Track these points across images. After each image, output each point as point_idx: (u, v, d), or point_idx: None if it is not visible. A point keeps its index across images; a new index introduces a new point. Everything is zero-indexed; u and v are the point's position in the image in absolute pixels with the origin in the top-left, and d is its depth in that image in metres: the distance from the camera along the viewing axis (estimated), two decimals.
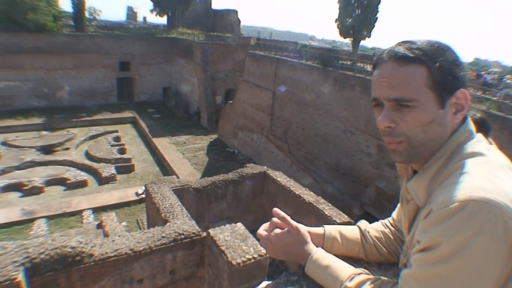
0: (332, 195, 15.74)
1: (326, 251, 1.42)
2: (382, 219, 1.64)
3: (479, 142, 1.10)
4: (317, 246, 1.45)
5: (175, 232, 6.50)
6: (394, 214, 1.57)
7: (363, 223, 1.62)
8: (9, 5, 27.24)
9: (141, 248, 5.91)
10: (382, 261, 1.54)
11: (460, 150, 1.09)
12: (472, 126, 1.14)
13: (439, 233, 0.93)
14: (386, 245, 1.53)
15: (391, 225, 1.58)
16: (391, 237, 1.54)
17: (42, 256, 5.02)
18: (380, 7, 28.28)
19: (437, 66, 1.08)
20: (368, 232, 1.56)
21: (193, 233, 6.65)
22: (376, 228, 1.58)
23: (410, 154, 1.16)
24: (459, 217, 0.89)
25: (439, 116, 1.10)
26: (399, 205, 1.47)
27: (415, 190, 1.17)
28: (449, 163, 1.08)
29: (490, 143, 1.13)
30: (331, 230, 1.54)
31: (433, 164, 1.13)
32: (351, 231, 1.56)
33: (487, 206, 0.87)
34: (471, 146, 1.08)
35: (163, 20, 43.10)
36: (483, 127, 1.19)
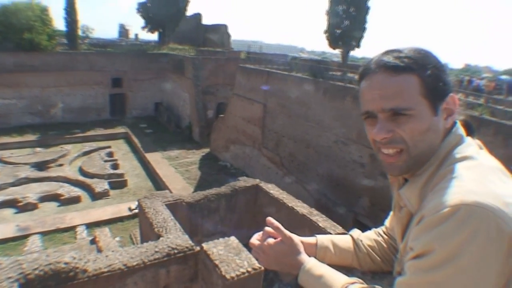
0: (326, 206, 15.75)
1: (319, 260, 1.39)
2: (376, 228, 1.64)
3: (469, 146, 1.09)
4: (309, 256, 1.42)
5: (169, 246, 6.52)
6: (387, 222, 1.56)
7: (355, 232, 1.61)
8: (6, 26, 27.65)
9: (134, 263, 5.94)
10: (376, 270, 1.52)
11: (451, 155, 1.08)
12: (461, 130, 1.14)
13: (432, 239, 0.92)
14: (380, 253, 1.52)
15: (384, 233, 1.57)
16: (385, 245, 1.53)
17: (36, 272, 5.05)
18: (369, 17, 28.65)
19: (428, 74, 1.07)
20: (361, 240, 1.55)
21: (187, 247, 6.67)
22: (369, 237, 1.57)
23: (409, 165, 1.14)
24: (451, 222, 0.88)
25: (434, 123, 1.09)
26: (391, 213, 1.45)
27: (407, 197, 1.16)
28: (440, 168, 1.08)
29: (481, 147, 1.12)
30: (323, 239, 1.54)
31: (425, 170, 1.12)
32: (344, 240, 1.56)
33: (479, 210, 0.86)
34: (461, 150, 1.07)
35: (154, 37, 43.43)
36: (467, 129, 1.17)
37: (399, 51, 1.11)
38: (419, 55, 1.09)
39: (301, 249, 1.42)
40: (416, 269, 0.96)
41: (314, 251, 1.50)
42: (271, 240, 1.43)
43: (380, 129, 1.13)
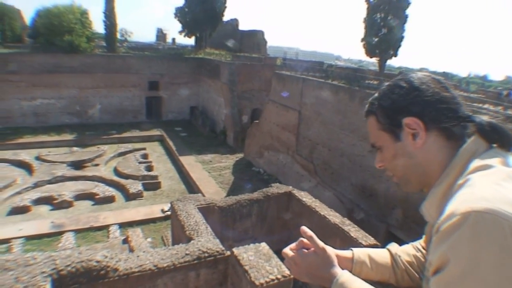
0: (358, 216, 15.51)
1: (355, 275, 1.34)
2: (411, 241, 1.59)
3: (490, 154, 1.07)
4: (346, 270, 1.37)
5: (199, 250, 6.52)
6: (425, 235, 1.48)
7: (393, 246, 1.57)
8: (49, 29, 28.78)
9: (165, 265, 5.95)
10: (414, 287, 1.46)
11: (469, 164, 1.07)
12: (480, 139, 1.12)
13: (445, 251, 0.90)
14: (418, 269, 1.45)
15: (423, 248, 1.51)
16: (423, 260, 1.46)
17: (69, 268, 5.12)
18: (407, 26, 28.21)
19: (378, 111, 1.30)
20: (399, 256, 1.50)
21: (217, 251, 6.65)
22: (407, 252, 1.52)
23: (403, 185, 1.35)
24: (462, 231, 0.86)
25: (398, 148, 1.25)
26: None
27: (428, 209, 1.19)
28: (459, 178, 1.07)
29: (508, 152, 1.09)
30: (360, 253, 1.49)
31: (442, 181, 1.14)
32: (381, 255, 1.51)
33: (490, 216, 0.83)
34: (480, 159, 1.07)
35: (191, 41, 44.00)
36: (495, 134, 1.12)
37: (375, 94, 1.37)
38: (381, 92, 1.32)
39: (334, 261, 1.37)
40: (437, 285, 0.93)
41: (350, 266, 1.46)
42: (304, 251, 1.40)
43: (376, 159, 1.38)
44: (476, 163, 1.06)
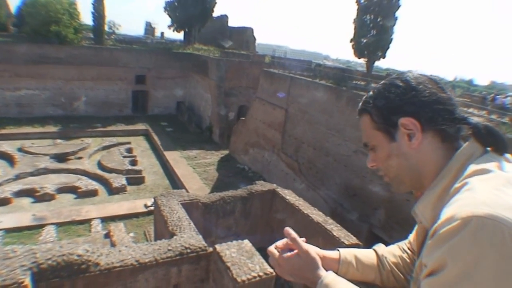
0: (341, 215, 15.60)
1: (341, 276, 1.33)
2: (393, 242, 1.59)
3: (487, 159, 1.06)
4: (332, 271, 1.36)
5: (182, 245, 6.50)
6: (411, 236, 1.51)
7: (380, 248, 1.57)
8: (35, 18, 28.28)
9: (146, 260, 5.93)
10: None
11: (466, 168, 1.06)
12: (476, 143, 1.12)
13: (444, 254, 0.88)
14: (404, 270, 1.46)
15: (408, 249, 1.52)
16: (409, 261, 1.48)
17: (49, 262, 5.07)
18: (396, 28, 28.42)
19: (373, 109, 1.26)
20: (386, 257, 1.50)
21: (200, 247, 6.64)
22: (393, 253, 1.53)
23: (395, 185, 1.30)
24: (463, 236, 0.85)
25: (393, 148, 1.22)
26: (416, 227, 1.41)
27: (421, 211, 1.16)
28: (455, 182, 1.05)
29: (506, 158, 1.08)
30: (346, 254, 1.49)
31: (437, 184, 1.12)
32: (367, 256, 1.52)
33: (491, 222, 0.82)
34: (477, 163, 1.05)
35: (180, 36, 43.80)
36: (490, 137, 1.12)
37: (368, 94, 1.33)
38: (376, 91, 1.29)
39: (318, 263, 1.36)
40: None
41: (337, 266, 1.46)
42: (288, 254, 1.39)
43: (368, 159, 1.35)
44: (474, 167, 1.05)
